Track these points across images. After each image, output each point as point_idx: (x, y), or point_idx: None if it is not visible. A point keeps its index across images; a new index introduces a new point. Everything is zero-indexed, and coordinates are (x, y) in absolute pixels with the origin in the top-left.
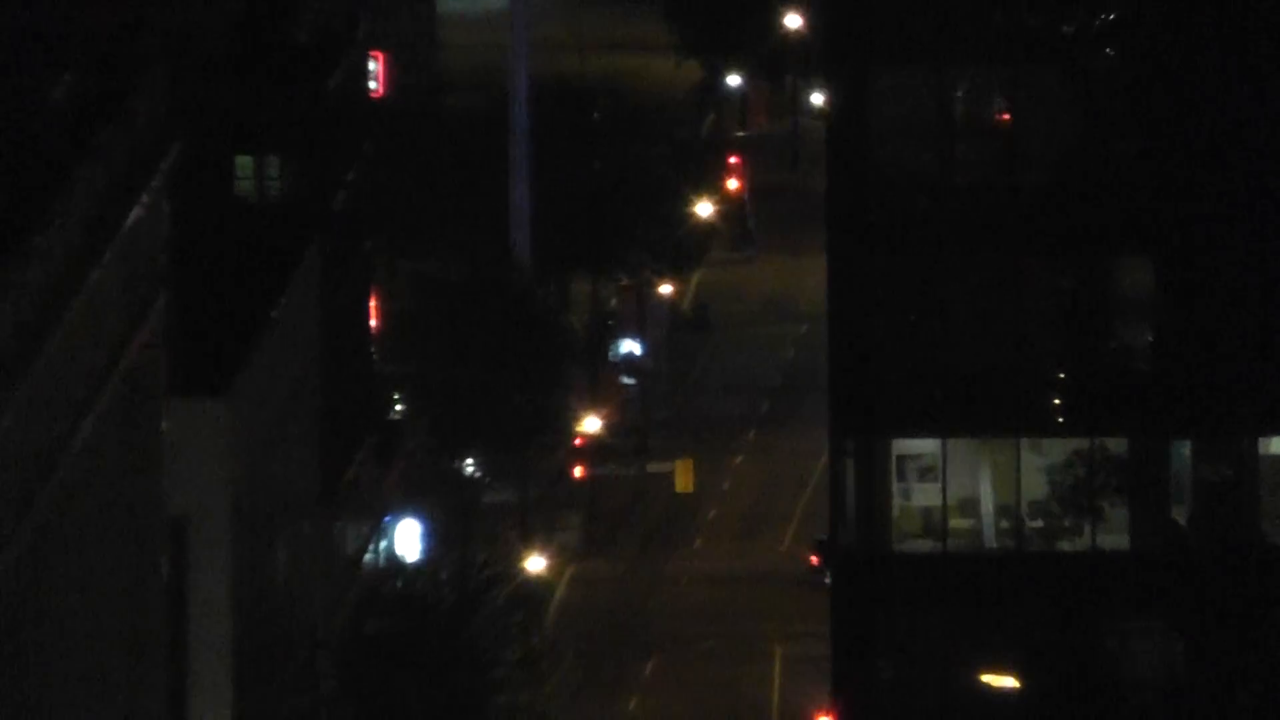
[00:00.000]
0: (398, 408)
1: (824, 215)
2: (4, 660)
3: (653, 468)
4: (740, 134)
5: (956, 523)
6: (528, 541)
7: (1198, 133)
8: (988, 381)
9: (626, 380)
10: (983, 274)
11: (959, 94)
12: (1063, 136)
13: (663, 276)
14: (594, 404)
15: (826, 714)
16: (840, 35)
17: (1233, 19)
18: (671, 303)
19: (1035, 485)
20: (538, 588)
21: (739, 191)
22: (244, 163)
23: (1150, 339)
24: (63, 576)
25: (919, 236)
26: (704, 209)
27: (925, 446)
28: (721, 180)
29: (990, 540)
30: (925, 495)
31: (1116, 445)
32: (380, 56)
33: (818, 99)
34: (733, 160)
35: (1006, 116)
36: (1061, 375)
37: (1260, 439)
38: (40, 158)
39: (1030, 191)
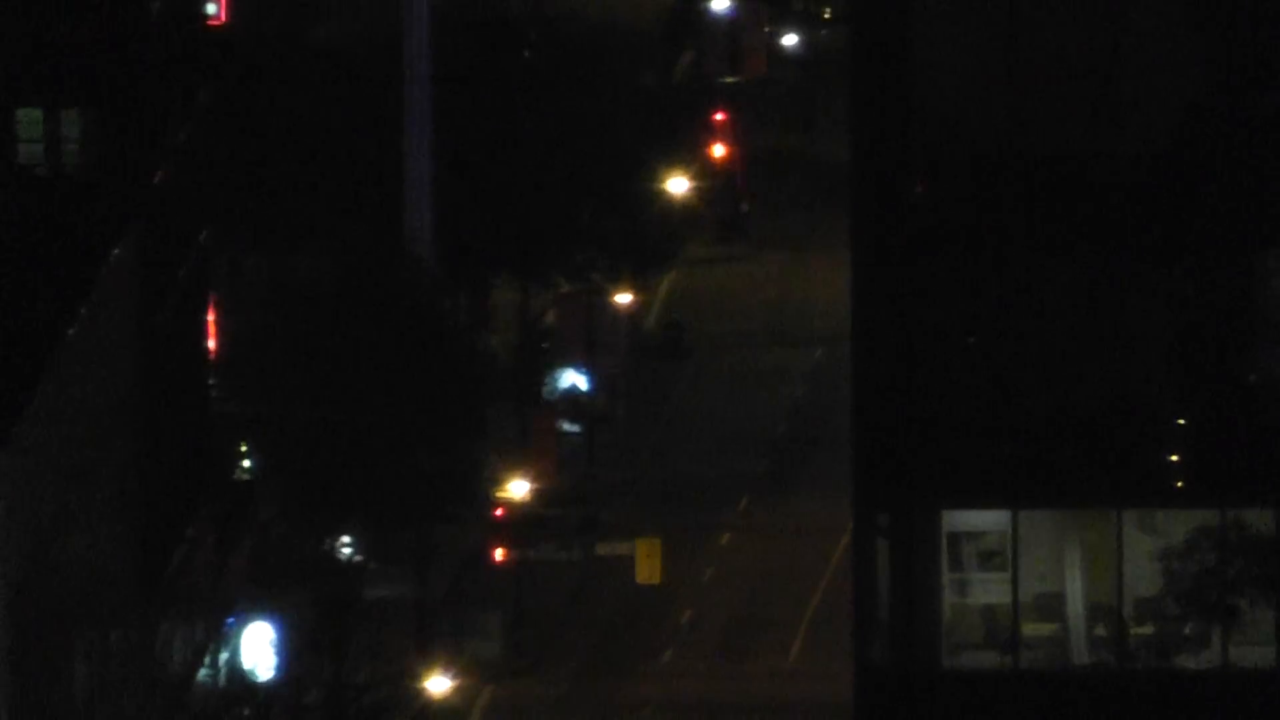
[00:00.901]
0: (246, 464)
1: (848, 196)
2: None
3: (604, 550)
4: (729, 80)
5: (1032, 628)
6: (428, 653)
7: None
8: (1076, 431)
9: (568, 427)
10: (1069, 280)
11: (1040, 24)
12: (1185, 86)
13: (620, 282)
14: (523, 461)
15: None
16: None
17: None
18: (632, 319)
19: (1144, 577)
20: (439, 716)
21: (727, 161)
22: (29, 118)
23: None
24: None
25: (980, 228)
26: (678, 185)
27: (989, 522)
28: (703, 146)
29: (1080, 653)
30: (989, 590)
31: (1260, 520)
32: None
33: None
34: (719, 118)
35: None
36: (1181, 422)
37: None
38: None
39: (1139, 163)
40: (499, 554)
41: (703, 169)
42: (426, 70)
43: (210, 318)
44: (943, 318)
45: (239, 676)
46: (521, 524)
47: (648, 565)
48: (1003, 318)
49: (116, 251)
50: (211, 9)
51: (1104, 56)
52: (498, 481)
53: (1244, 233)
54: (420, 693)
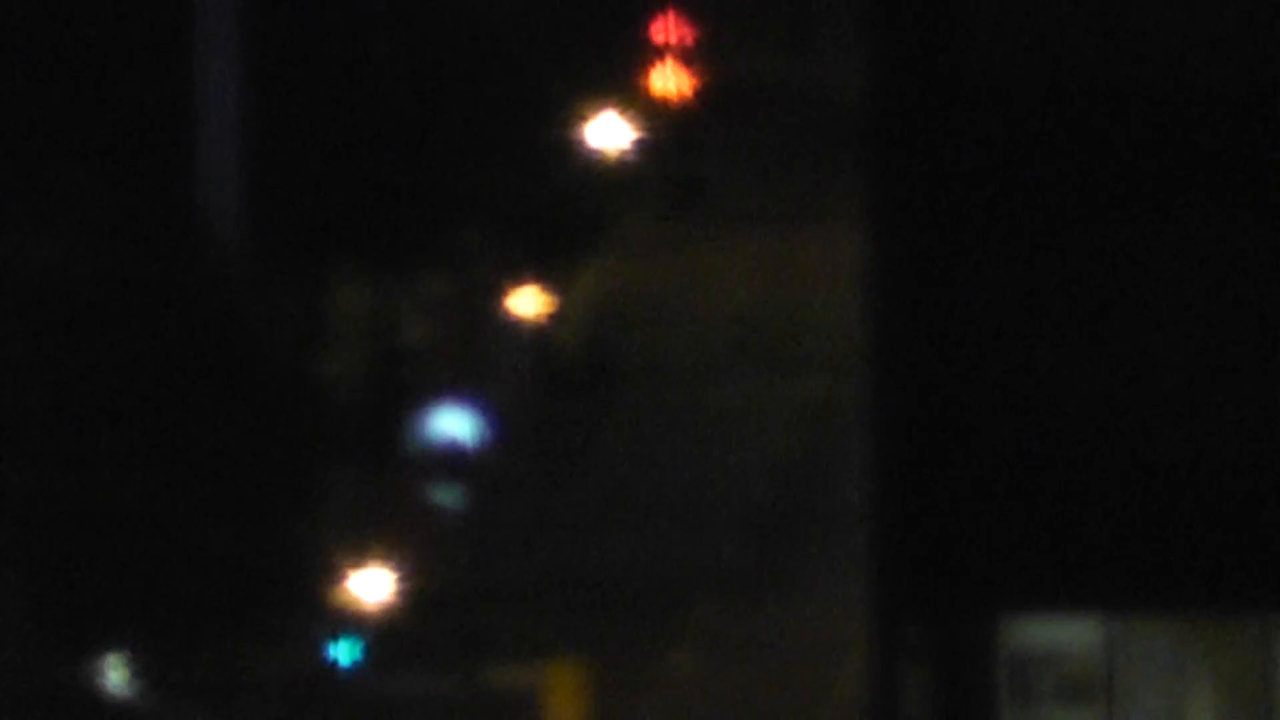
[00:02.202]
0: None
1: (856, 150)
2: None
3: (499, 679)
4: None
5: None
6: None
7: None
8: (1206, 500)
9: (444, 494)
10: (1192, 263)
11: None
12: None
13: (520, 277)
14: (379, 543)
15: None
16: None
17: None
18: (540, 332)
19: None
20: None
21: (681, 96)
22: None
23: None
24: None
25: (1051, 194)
26: (607, 132)
27: (1072, 637)
28: (639, 71)
29: None
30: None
31: None
32: None
33: None
34: (663, 26)
35: None
36: None
37: None
38: None
39: (1252, 105)
40: (342, 686)
41: (644, 107)
42: None
43: None
44: (1007, 327)
45: None
46: (378, 641)
47: (564, 703)
48: (1097, 323)
49: None
50: None
51: None
52: (341, 576)
53: None
54: None
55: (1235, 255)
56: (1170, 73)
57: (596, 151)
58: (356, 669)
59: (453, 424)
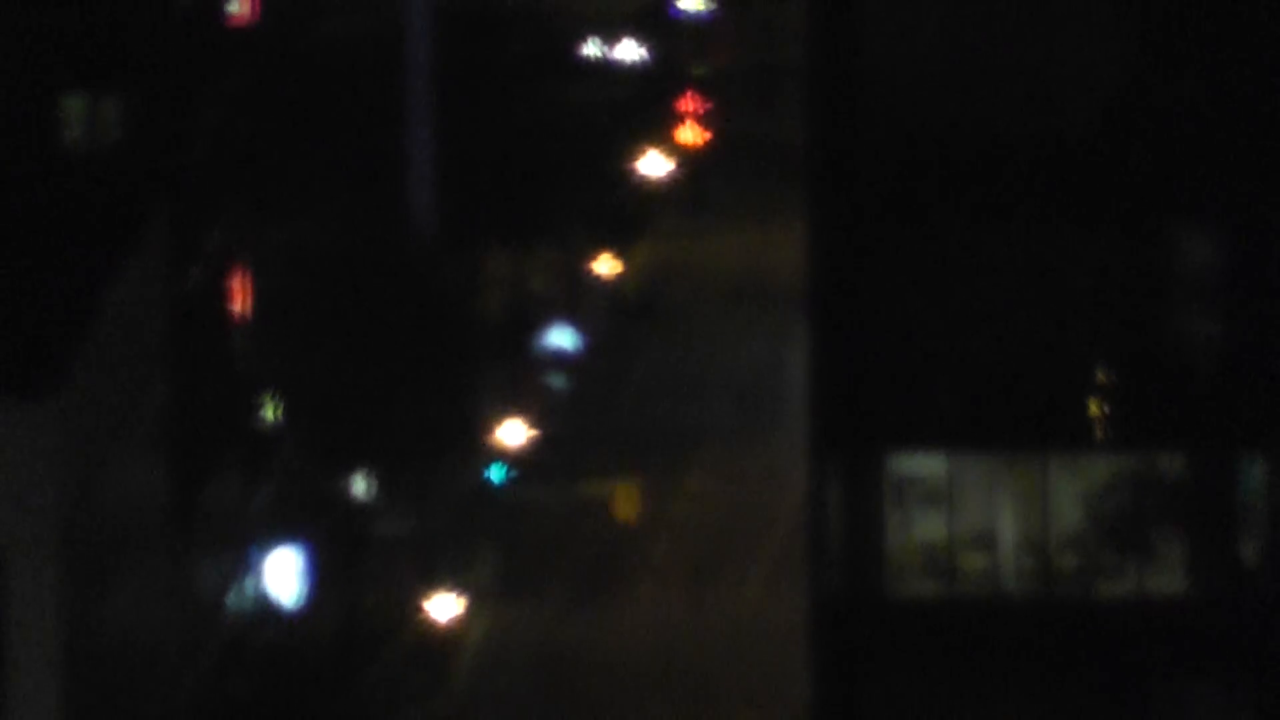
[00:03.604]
0: (268, 414)
1: (802, 174)
2: None
3: (587, 490)
4: (699, 70)
5: (968, 561)
6: (431, 581)
7: None
8: (1009, 383)
9: (554, 381)
10: (1005, 246)
11: (976, 15)
12: (1110, 73)
13: (601, 249)
14: (514, 410)
15: None
16: None
17: None
18: (611, 284)
19: (1069, 514)
20: (444, 639)
21: (695, 143)
22: (73, 105)
23: (1218, 328)
24: None
25: (923, 200)
26: (651, 165)
27: (929, 465)
28: (671, 128)
29: (1011, 583)
30: (929, 527)
31: (1173, 463)
32: None
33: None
34: (686, 101)
35: (1038, 47)
36: (1103, 375)
37: None
38: None
39: (1067, 143)
40: (493, 494)
41: (674, 150)
42: (425, 60)
43: (235, 283)
44: (890, 280)
45: (263, 601)
46: (513, 467)
47: (626, 504)
48: (945, 280)
49: (151, 223)
50: (234, 8)
51: (1035, 48)
52: (492, 429)
53: (1163, 208)
54: (424, 616)
55: (1057, 252)
56: (995, 127)
57: (646, 176)
58: (504, 484)
59: (561, 338)
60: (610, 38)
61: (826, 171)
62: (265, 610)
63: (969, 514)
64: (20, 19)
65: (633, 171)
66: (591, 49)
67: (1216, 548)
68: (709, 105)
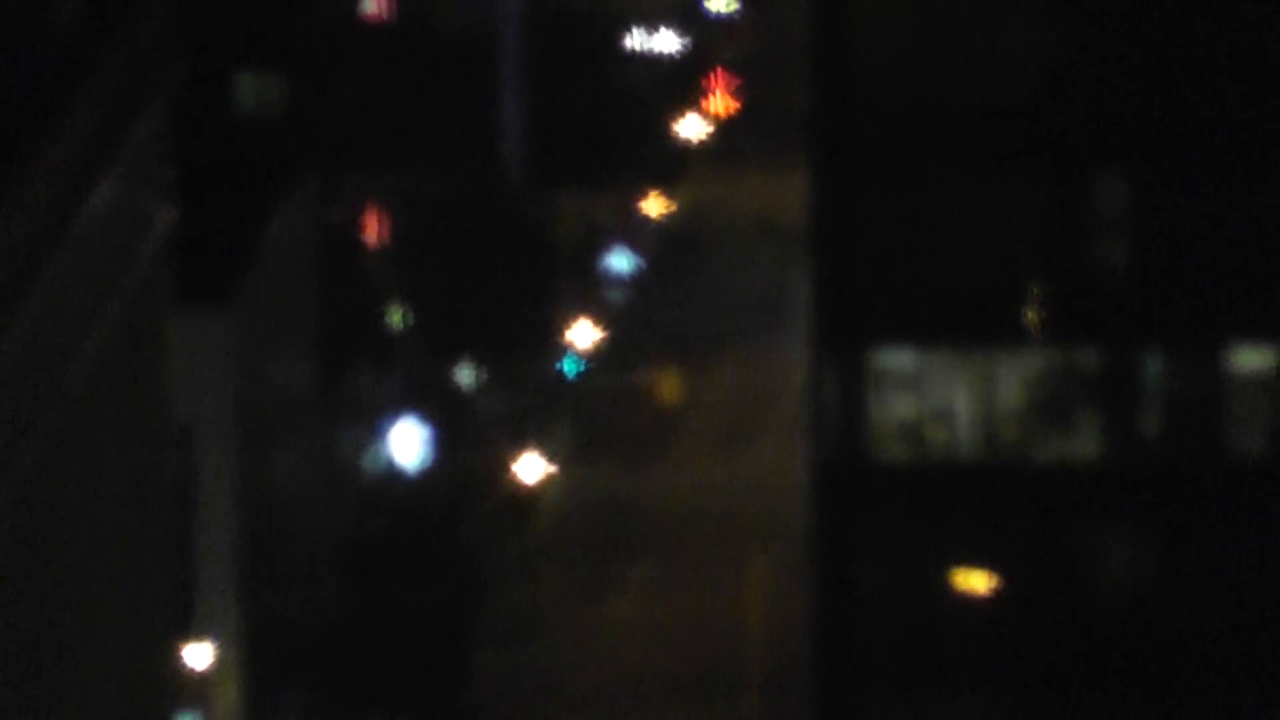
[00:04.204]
0: (394, 319)
1: (805, 135)
2: (28, 558)
3: (638, 379)
4: (724, 55)
5: (933, 433)
6: (519, 448)
7: (1187, 46)
8: (965, 297)
9: (614, 294)
10: (963, 189)
11: (942, 7)
12: (1045, 51)
13: (649, 192)
14: (583, 316)
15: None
16: None
17: None
18: (658, 219)
19: (1010, 397)
20: (528, 492)
21: (723, 111)
22: (245, 81)
23: (1126, 252)
24: (77, 482)
25: (898, 155)
26: (689, 127)
27: (902, 359)
28: (704, 98)
29: (965, 450)
30: (902, 407)
31: (1090, 357)
32: None
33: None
34: (713, 78)
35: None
36: (1038, 289)
37: (1231, 352)
38: (45, 74)
39: (1011, 108)
40: (566, 379)
41: (707, 116)
42: (516, 46)
43: (368, 218)
44: (873, 217)
45: (391, 463)
46: (583, 359)
47: (669, 389)
48: (914, 217)
49: (304, 174)
50: (369, 7)
51: (987, 33)
52: (566, 330)
53: (1084, 157)
54: (514, 474)
55: (1004, 193)
56: (972, 89)
57: (684, 136)
58: (575, 373)
59: (619, 261)
60: (653, 30)
61: (823, 133)
62: (392, 470)
63: (933, 397)
64: (206, 16)
65: (674, 132)
66: (639, 39)
67: (1124, 425)
68: (732, 82)
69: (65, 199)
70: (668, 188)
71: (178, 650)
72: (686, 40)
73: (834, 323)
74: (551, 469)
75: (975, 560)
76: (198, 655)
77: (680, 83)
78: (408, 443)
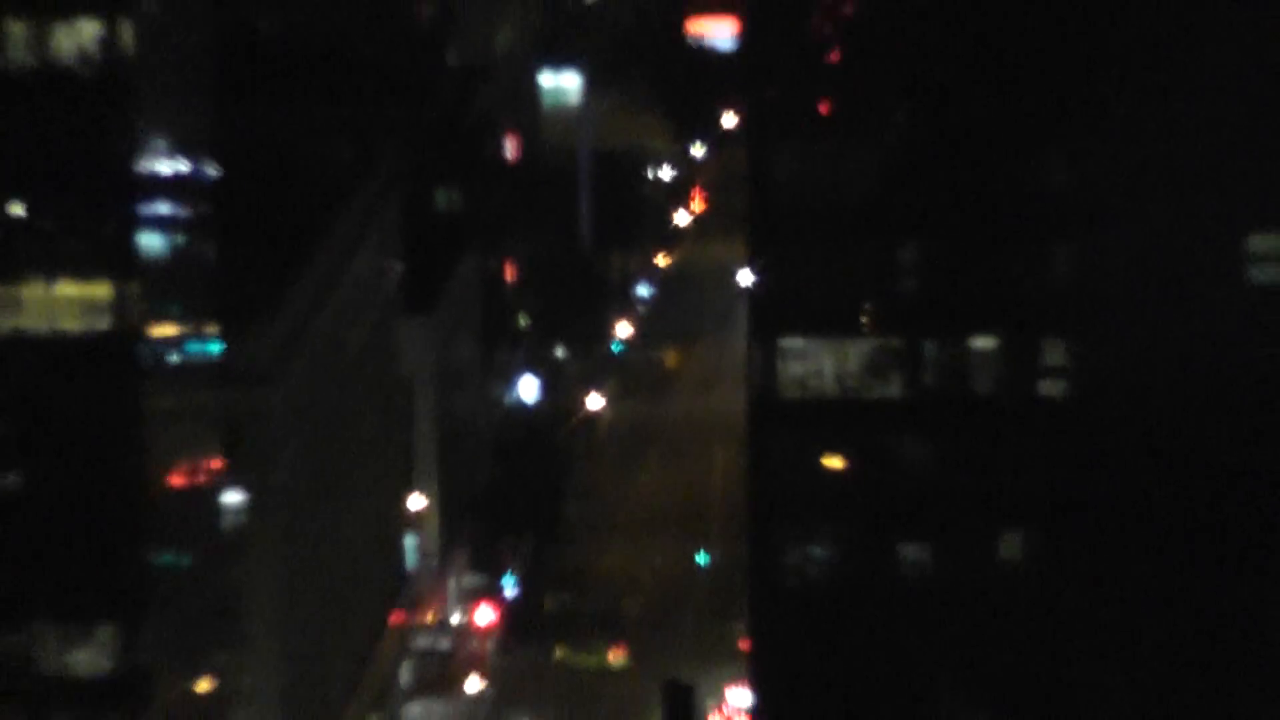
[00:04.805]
0: (520, 322)
1: (747, 224)
2: (328, 445)
3: (654, 354)
4: (701, 178)
5: (812, 381)
6: (588, 392)
7: None
8: (832, 312)
9: (640, 308)
10: (833, 255)
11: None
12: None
13: (659, 252)
14: (623, 320)
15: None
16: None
17: None
18: (664, 268)
19: (852, 363)
20: (594, 417)
21: (699, 209)
22: (440, 193)
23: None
24: (353, 408)
25: (800, 233)
26: (682, 218)
27: (797, 343)
28: (690, 202)
29: (829, 391)
30: (796, 368)
31: (896, 343)
32: (512, 135)
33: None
34: (695, 192)
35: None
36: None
37: (972, 339)
38: (335, 189)
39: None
40: (615, 352)
41: (690, 211)
42: (587, 172)
43: (507, 267)
44: (783, 270)
45: (519, 400)
46: (623, 343)
47: (672, 359)
48: (812, 269)
49: (469, 240)
50: (509, 153)
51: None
52: (616, 326)
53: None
54: (585, 406)
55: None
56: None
57: (679, 222)
58: (619, 352)
59: (643, 289)
60: (659, 164)
61: (756, 221)
62: (520, 404)
63: (812, 363)
64: (419, 157)
65: (673, 220)
66: (653, 170)
67: (913, 379)
68: (704, 193)
69: (346, 256)
70: (669, 250)
71: (405, 497)
72: (679, 171)
73: (760, 324)
74: (605, 403)
75: (835, 451)
76: (416, 501)
77: (676, 193)
78: (528, 389)
